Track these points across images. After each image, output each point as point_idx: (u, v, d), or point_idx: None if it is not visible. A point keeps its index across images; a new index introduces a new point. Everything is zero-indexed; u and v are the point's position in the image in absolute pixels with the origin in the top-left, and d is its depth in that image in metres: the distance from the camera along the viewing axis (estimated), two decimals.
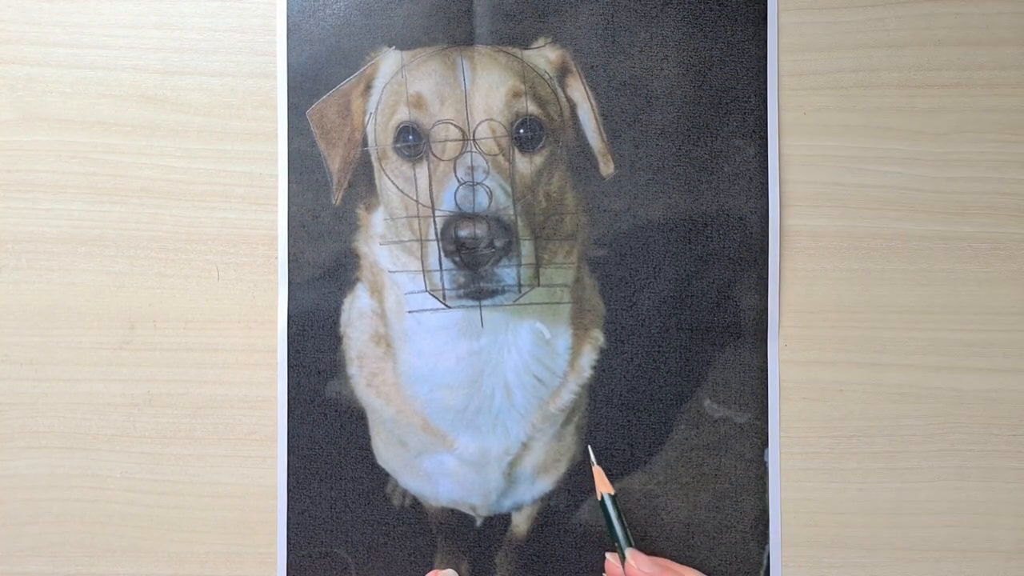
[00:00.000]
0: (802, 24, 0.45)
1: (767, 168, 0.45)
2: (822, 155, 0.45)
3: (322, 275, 0.46)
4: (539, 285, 0.45)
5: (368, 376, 0.46)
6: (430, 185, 0.45)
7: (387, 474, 0.46)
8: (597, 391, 0.45)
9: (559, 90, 0.45)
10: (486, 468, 0.45)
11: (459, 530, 0.45)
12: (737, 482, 0.45)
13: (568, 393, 0.45)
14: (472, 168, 0.45)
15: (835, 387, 0.45)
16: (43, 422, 0.46)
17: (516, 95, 0.45)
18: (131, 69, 0.46)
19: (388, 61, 0.45)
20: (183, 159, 0.46)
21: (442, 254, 0.45)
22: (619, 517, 0.41)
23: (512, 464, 0.45)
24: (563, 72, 0.45)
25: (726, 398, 0.44)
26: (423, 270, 0.45)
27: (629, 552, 0.40)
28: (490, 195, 0.45)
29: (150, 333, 0.46)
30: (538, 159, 0.45)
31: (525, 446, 0.45)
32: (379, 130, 0.45)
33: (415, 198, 0.45)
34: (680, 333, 0.45)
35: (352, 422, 0.46)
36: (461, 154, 0.45)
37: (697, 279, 0.45)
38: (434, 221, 0.45)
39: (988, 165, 0.44)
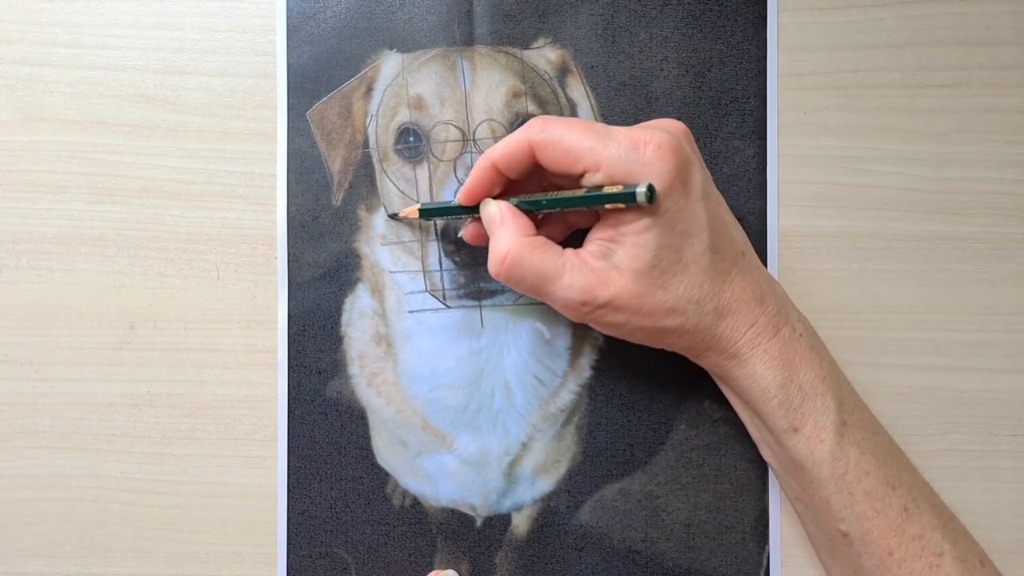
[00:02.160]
0: (802, 24, 0.45)
1: (766, 168, 0.45)
2: (821, 155, 0.45)
3: (322, 275, 0.46)
4: None
5: (369, 376, 0.46)
6: (431, 186, 0.45)
7: (387, 474, 0.46)
8: (597, 391, 0.45)
9: (559, 90, 0.45)
10: (486, 468, 0.45)
11: (459, 530, 0.45)
12: (737, 482, 0.45)
13: (568, 393, 0.45)
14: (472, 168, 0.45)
15: None
16: (43, 422, 0.46)
17: (516, 95, 0.45)
18: (131, 69, 0.46)
19: (389, 64, 0.45)
20: (183, 159, 0.46)
21: (442, 254, 0.45)
22: (443, 205, 0.43)
23: (512, 464, 0.45)
24: (563, 72, 0.45)
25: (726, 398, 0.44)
26: (423, 270, 0.45)
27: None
28: None
29: (150, 333, 0.46)
30: None
31: (525, 446, 0.45)
32: (380, 132, 0.45)
33: (416, 199, 0.45)
34: None
35: (352, 422, 0.46)
36: (461, 155, 0.45)
37: None
38: (434, 222, 0.45)
39: (988, 165, 0.44)
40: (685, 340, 0.39)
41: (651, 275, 0.37)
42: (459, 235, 0.44)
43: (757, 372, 0.38)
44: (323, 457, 0.46)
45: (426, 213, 0.43)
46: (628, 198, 0.35)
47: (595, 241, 0.38)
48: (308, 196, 0.46)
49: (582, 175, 0.37)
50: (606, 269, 0.37)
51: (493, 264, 0.39)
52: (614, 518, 0.45)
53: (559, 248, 0.38)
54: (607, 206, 0.37)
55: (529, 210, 0.40)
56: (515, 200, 0.40)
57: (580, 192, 0.37)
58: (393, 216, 0.45)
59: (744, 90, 0.45)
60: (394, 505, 0.46)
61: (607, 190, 0.36)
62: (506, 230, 0.39)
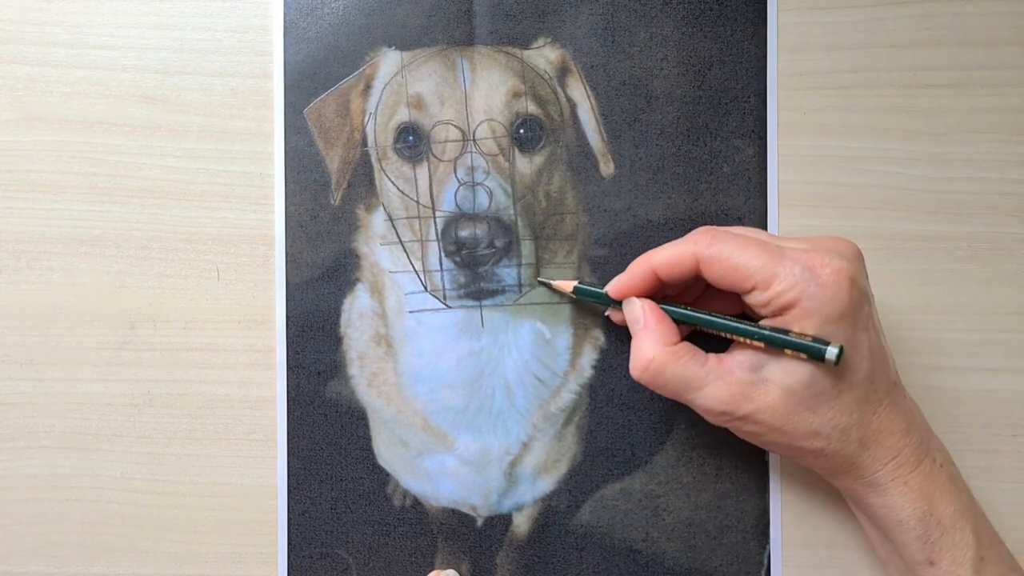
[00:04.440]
0: (802, 24, 0.45)
1: (766, 168, 0.45)
2: (822, 155, 0.45)
3: (321, 275, 0.46)
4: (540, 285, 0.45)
5: (369, 376, 0.46)
6: (430, 186, 0.45)
7: (388, 474, 0.46)
8: (598, 391, 0.45)
9: (559, 90, 0.45)
10: (487, 468, 0.45)
11: (460, 530, 0.45)
12: (738, 482, 0.45)
13: (569, 393, 0.45)
14: (472, 168, 0.45)
15: None
16: (43, 422, 0.46)
17: (516, 95, 0.45)
18: (131, 69, 0.46)
19: (388, 61, 0.45)
20: (183, 159, 0.46)
21: (443, 254, 0.45)
22: (595, 290, 0.42)
23: (513, 464, 0.45)
24: (563, 72, 0.45)
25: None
26: (424, 270, 0.45)
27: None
28: (490, 195, 0.45)
29: (150, 333, 0.46)
30: (538, 159, 0.45)
31: (526, 446, 0.45)
32: (379, 130, 0.45)
33: (415, 199, 0.45)
34: None
35: (353, 422, 0.46)
36: (461, 154, 0.45)
37: None
38: (434, 221, 0.45)
39: (988, 165, 0.45)
40: (821, 462, 0.39)
41: (802, 396, 0.37)
42: (605, 314, 0.44)
43: (895, 503, 0.38)
44: (323, 457, 0.46)
45: (580, 292, 0.43)
46: (815, 354, 0.35)
47: (746, 351, 0.38)
48: (306, 195, 0.46)
49: (749, 291, 0.37)
50: (753, 382, 0.37)
51: (636, 370, 0.39)
52: (615, 518, 0.45)
53: (703, 356, 0.38)
54: (789, 350, 0.36)
55: (681, 321, 0.40)
56: (672, 308, 0.40)
57: (752, 326, 0.37)
58: (544, 284, 0.45)
59: (744, 90, 0.45)
60: (395, 505, 0.46)
61: (792, 337, 0.36)
62: (649, 337, 0.39)
